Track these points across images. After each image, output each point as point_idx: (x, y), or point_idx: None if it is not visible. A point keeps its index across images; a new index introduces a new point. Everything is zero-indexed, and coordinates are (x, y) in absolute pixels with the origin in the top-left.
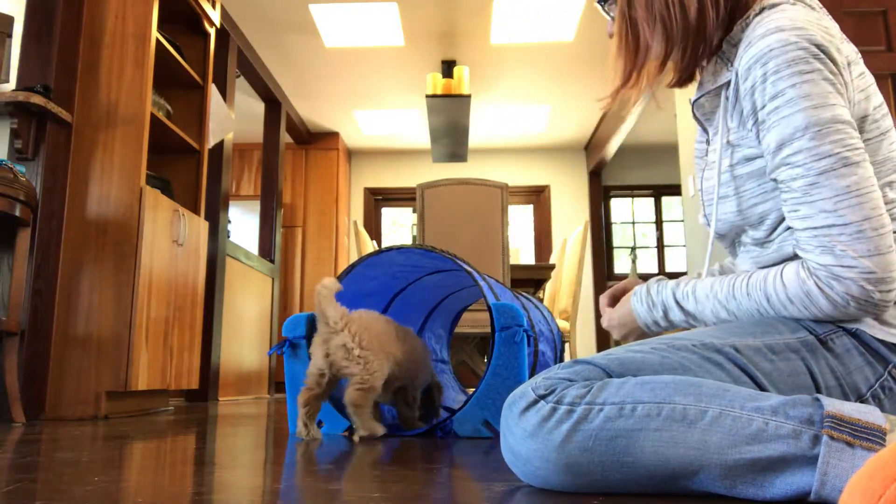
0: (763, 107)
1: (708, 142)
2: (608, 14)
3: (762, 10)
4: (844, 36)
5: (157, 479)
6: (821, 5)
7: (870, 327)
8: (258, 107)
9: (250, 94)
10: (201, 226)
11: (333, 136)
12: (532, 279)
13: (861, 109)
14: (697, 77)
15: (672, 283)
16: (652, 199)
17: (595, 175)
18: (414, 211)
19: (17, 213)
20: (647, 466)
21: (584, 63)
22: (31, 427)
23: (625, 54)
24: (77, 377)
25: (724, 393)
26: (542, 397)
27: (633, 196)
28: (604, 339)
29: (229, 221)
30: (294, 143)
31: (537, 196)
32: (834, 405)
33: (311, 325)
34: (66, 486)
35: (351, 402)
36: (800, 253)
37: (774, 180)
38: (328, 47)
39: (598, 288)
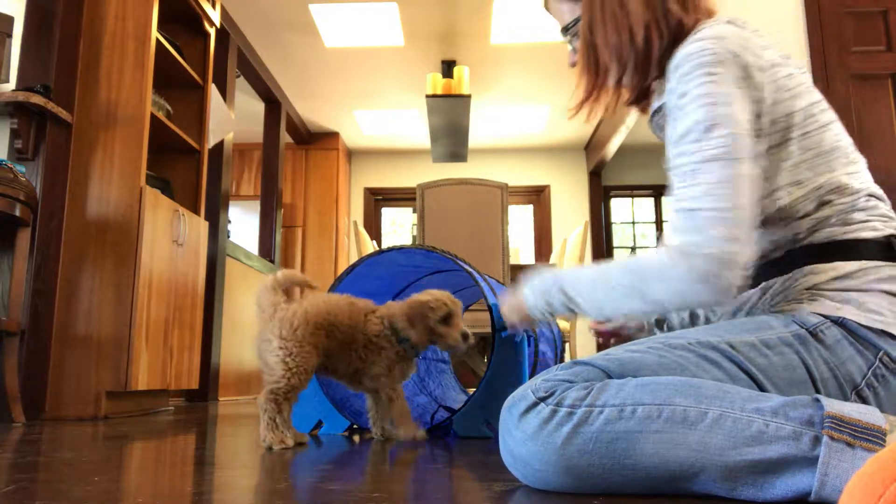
0: (673, 106)
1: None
2: (571, 44)
3: (695, 32)
4: (770, 44)
5: (157, 479)
6: (753, 27)
7: (854, 315)
8: (258, 107)
9: (250, 94)
10: (201, 226)
11: (333, 136)
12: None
13: (787, 106)
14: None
15: (560, 269)
16: (652, 199)
17: (595, 175)
18: (414, 211)
19: (17, 213)
20: (647, 468)
21: None
22: (31, 427)
23: (587, 74)
24: (77, 377)
25: (724, 394)
26: (542, 399)
27: (633, 196)
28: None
29: (229, 221)
30: (294, 143)
31: (537, 196)
32: (834, 406)
33: None
34: (66, 486)
35: (259, 404)
36: (672, 234)
37: (669, 170)
38: (328, 47)
39: None
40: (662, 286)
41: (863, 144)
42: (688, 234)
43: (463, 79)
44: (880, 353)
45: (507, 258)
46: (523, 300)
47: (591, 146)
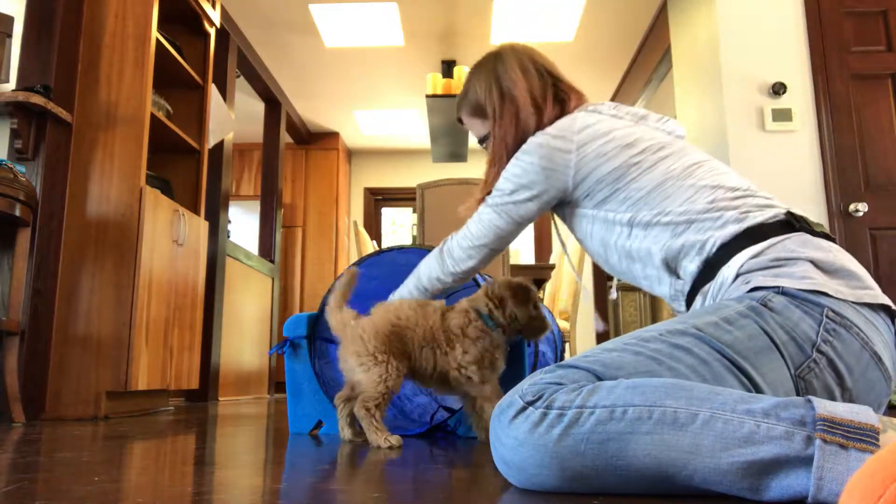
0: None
1: None
2: (488, 149)
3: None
4: (623, 112)
5: (157, 479)
6: (617, 106)
7: (789, 283)
8: (258, 107)
9: (250, 94)
10: (201, 226)
11: (333, 136)
12: (532, 279)
13: (612, 164)
14: None
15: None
16: None
17: None
18: (414, 211)
19: (17, 213)
20: (640, 469)
21: (584, 63)
22: (31, 427)
23: (488, 169)
24: (77, 377)
25: (714, 396)
26: (531, 403)
27: None
28: (603, 339)
29: (229, 221)
30: (294, 143)
31: None
32: (825, 407)
33: (312, 324)
34: (66, 486)
35: (357, 414)
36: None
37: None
38: (328, 47)
39: (599, 288)
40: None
41: (863, 144)
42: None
43: (463, 79)
44: (824, 310)
45: (507, 258)
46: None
47: None
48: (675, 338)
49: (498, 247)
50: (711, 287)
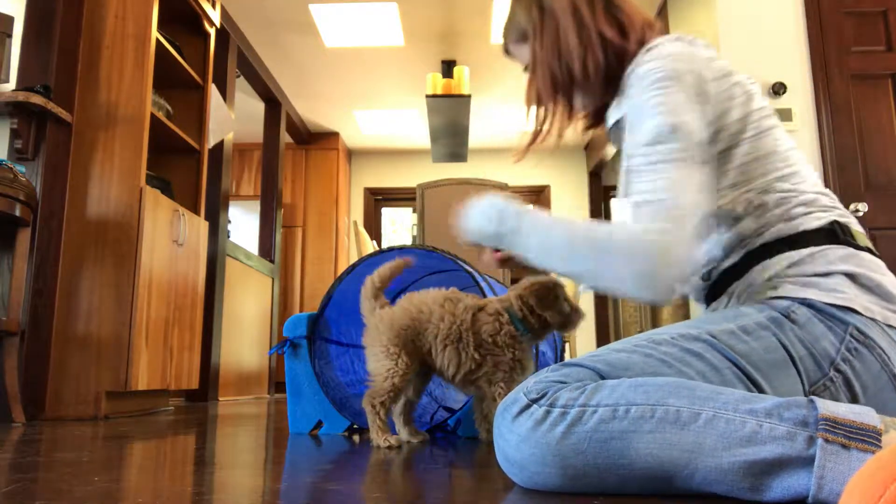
0: (631, 118)
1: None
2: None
3: (647, 51)
4: (716, 56)
5: (157, 479)
6: (702, 41)
7: (817, 296)
8: (258, 107)
9: (250, 94)
10: (201, 226)
11: (333, 136)
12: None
13: (730, 114)
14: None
15: (524, 208)
16: None
17: (595, 175)
18: (414, 211)
19: (17, 213)
20: (642, 469)
21: None
22: (31, 427)
23: (536, 115)
24: (77, 377)
25: (717, 395)
26: (535, 401)
27: None
28: (603, 339)
29: (229, 221)
30: (294, 143)
31: (537, 196)
32: (828, 407)
33: (312, 324)
34: (66, 486)
35: (363, 406)
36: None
37: (625, 173)
38: (328, 47)
39: None
40: (610, 271)
41: (863, 144)
42: (651, 222)
43: (463, 79)
44: (849, 328)
45: None
46: (468, 217)
47: (591, 146)
48: (687, 342)
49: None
50: (738, 287)
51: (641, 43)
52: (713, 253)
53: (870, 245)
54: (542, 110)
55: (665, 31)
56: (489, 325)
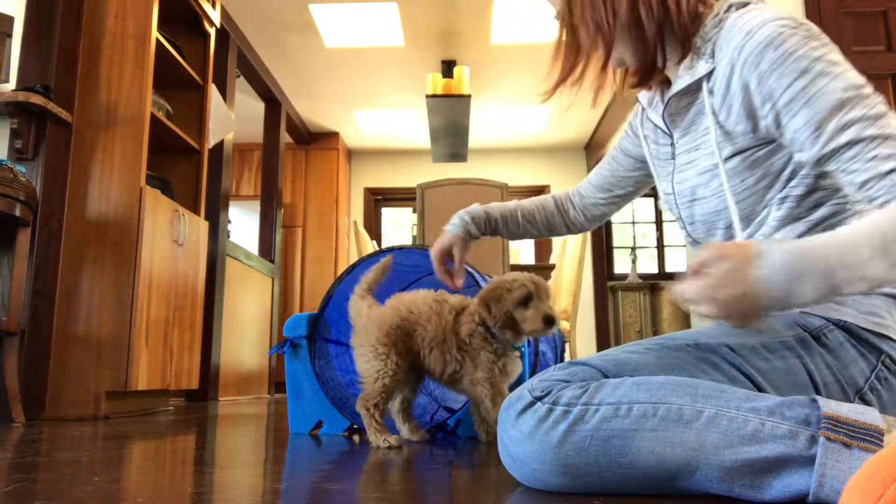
0: (782, 93)
1: (673, 144)
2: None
3: (730, 8)
4: None
5: (157, 479)
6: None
7: (853, 317)
8: (258, 107)
9: (250, 94)
10: (201, 226)
11: (333, 136)
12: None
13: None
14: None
15: (801, 243)
16: (652, 199)
17: None
18: (414, 211)
19: (17, 213)
20: (643, 467)
21: None
22: (31, 427)
23: (564, 55)
24: (77, 377)
25: (720, 394)
26: (539, 399)
27: None
28: (603, 339)
29: (229, 221)
30: (294, 143)
31: (537, 196)
32: (831, 406)
33: (312, 324)
34: (66, 486)
35: (357, 410)
36: None
37: (824, 156)
38: (328, 47)
39: (598, 288)
40: None
41: None
42: None
43: (463, 79)
44: (882, 356)
45: (507, 258)
46: (761, 288)
47: (591, 146)
48: (703, 352)
49: None
50: None
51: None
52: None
53: None
54: (563, 59)
55: None
56: (466, 325)
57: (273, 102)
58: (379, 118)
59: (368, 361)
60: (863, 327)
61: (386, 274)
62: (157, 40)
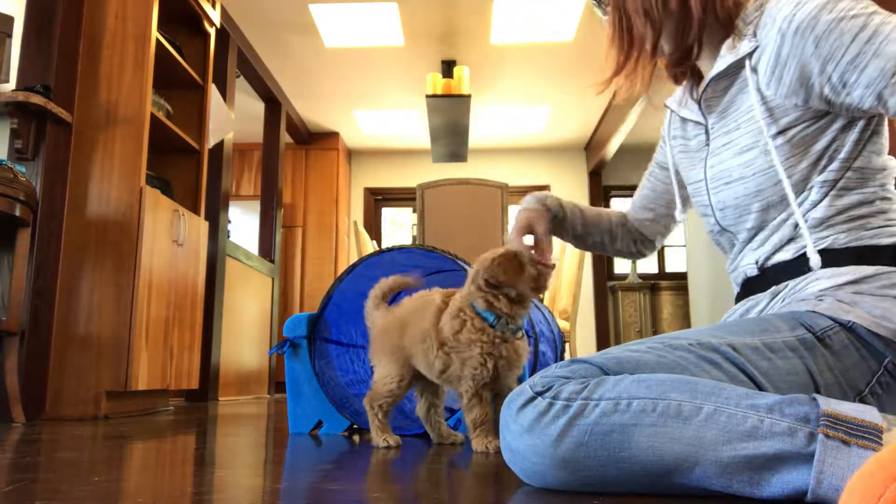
0: (846, 50)
1: (707, 130)
2: (605, 15)
3: None
4: None
5: (157, 479)
6: None
7: (862, 320)
8: (258, 107)
9: (250, 94)
10: (201, 226)
11: (333, 136)
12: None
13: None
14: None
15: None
16: None
17: (595, 175)
18: (414, 211)
19: (17, 213)
20: (642, 462)
21: (583, 63)
22: (31, 427)
23: (618, 43)
24: (77, 377)
25: (719, 391)
26: (540, 394)
27: (632, 196)
28: (603, 339)
29: (229, 221)
30: (294, 143)
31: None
32: (830, 404)
33: (312, 324)
34: (66, 486)
35: (364, 405)
36: None
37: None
38: (328, 47)
39: (598, 288)
40: None
41: None
42: None
43: (463, 79)
44: (885, 361)
45: None
46: None
47: (591, 146)
48: (705, 351)
49: None
50: (784, 289)
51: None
52: (783, 234)
53: None
54: (617, 48)
55: None
56: (449, 323)
57: (273, 102)
58: (379, 118)
59: (382, 366)
60: (869, 329)
61: (405, 288)
62: (157, 40)
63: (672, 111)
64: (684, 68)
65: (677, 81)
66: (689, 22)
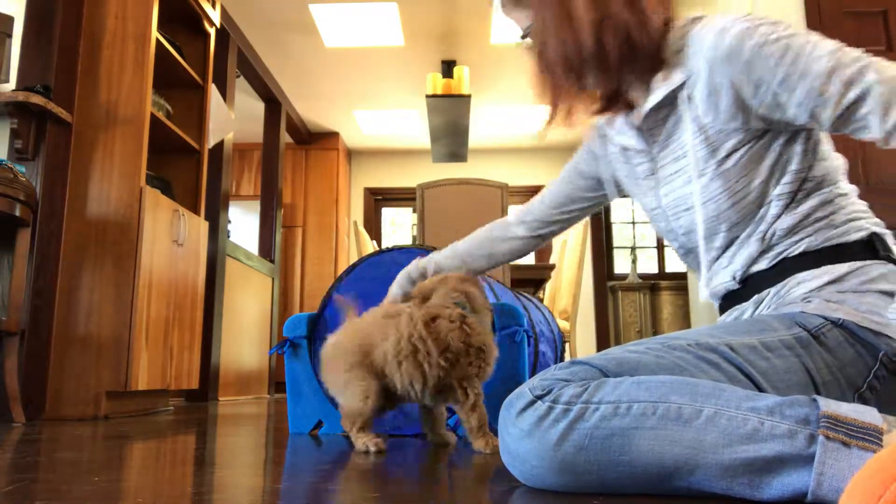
0: (774, 73)
1: (653, 159)
2: (531, 50)
3: (692, 21)
4: None
5: (157, 479)
6: None
7: (851, 316)
8: (258, 107)
9: (250, 94)
10: (201, 226)
11: (333, 136)
12: (532, 279)
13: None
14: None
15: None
16: None
17: None
18: (414, 211)
19: (17, 213)
20: (642, 465)
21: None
22: (31, 427)
23: (542, 85)
24: (77, 377)
25: (720, 393)
26: (539, 397)
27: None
28: (603, 339)
29: (229, 221)
30: (294, 143)
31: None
32: (830, 406)
33: (312, 324)
34: (66, 486)
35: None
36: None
37: (840, 116)
38: (328, 47)
39: (598, 288)
40: None
41: (864, 145)
42: None
43: (463, 79)
44: (880, 354)
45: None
46: None
47: None
48: (703, 351)
49: None
50: (767, 296)
51: (666, 23)
52: (752, 250)
53: None
54: (543, 89)
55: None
56: (456, 331)
57: (273, 102)
58: (379, 118)
59: (355, 384)
60: (860, 325)
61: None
62: (157, 40)
63: (606, 135)
64: (615, 108)
65: (608, 109)
66: (607, 65)
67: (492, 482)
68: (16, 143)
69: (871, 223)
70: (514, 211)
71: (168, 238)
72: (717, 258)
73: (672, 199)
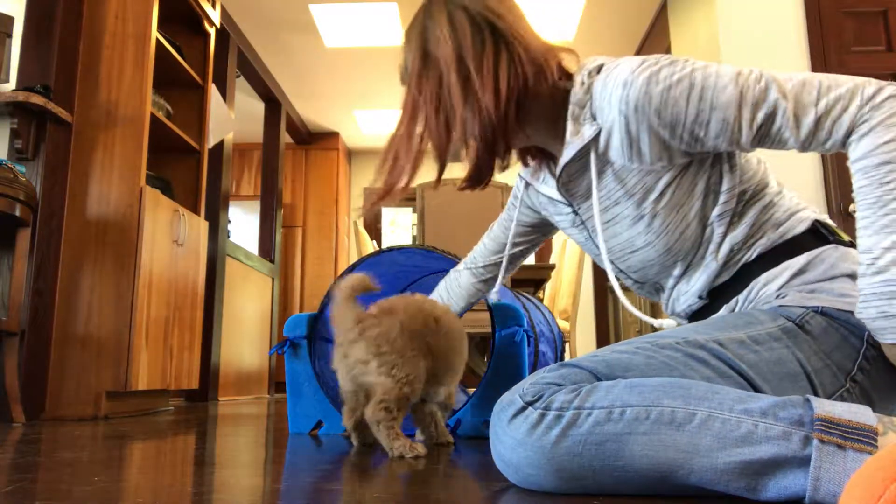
0: (686, 112)
1: (575, 212)
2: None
3: (590, 74)
4: None
5: (157, 479)
6: None
7: (829, 302)
8: (258, 107)
9: (250, 94)
10: (201, 226)
11: (333, 136)
12: (532, 279)
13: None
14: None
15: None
16: None
17: None
18: (414, 211)
19: (17, 213)
20: (637, 470)
21: None
22: (31, 427)
23: (434, 154)
24: (77, 377)
25: (713, 395)
26: (530, 404)
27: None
28: (603, 339)
29: (229, 221)
30: (294, 143)
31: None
32: (824, 407)
33: (312, 324)
34: (66, 486)
35: (372, 420)
36: (861, 124)
37: (754, 138)
38: (328, 47)
39: (598, 288)
40: None
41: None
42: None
43: None
44: (865, 334)
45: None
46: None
47: None
48: (692, 348)
49: None
50: (739, 302)
51: (565, 75)
52: (711, 269)
53: (850, 239)
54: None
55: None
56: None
57: (273, 102)
58: (379, 118)
59: (395, 366)
60: (840, 309)
61: (369, 293)
62: (157, 40)
63: (529, 184)
64: (536, 161)
65: (525, 163)
66: (509, 131)
67: (492, 482)
68: (16, 143)
69: (809, 212)
70: (464, 261)
71: (168, 238)
72: (677, 284)
73: (616, 243)
